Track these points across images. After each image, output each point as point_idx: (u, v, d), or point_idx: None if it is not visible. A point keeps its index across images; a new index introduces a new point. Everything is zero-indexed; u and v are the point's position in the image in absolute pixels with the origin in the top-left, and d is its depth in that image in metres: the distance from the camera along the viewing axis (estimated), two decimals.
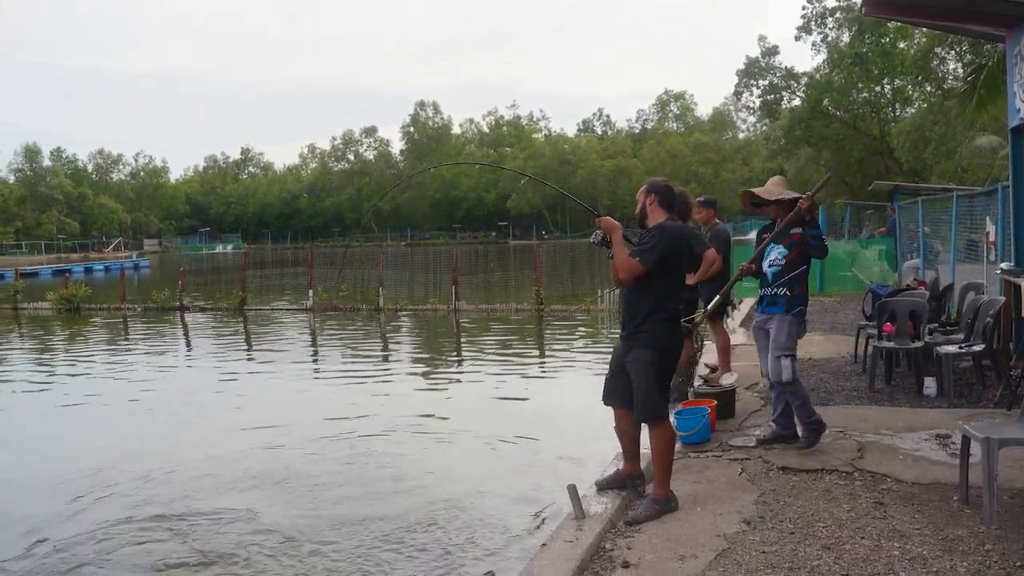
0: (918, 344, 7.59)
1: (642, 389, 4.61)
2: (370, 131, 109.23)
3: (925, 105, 41.34)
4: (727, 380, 7.66)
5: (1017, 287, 7.75)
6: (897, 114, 47.16)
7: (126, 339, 17.68)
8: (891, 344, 7.73)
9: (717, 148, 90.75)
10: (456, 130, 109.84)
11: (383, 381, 11.56)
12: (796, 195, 5.72)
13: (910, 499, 4.72)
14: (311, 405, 9.98)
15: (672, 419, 6.12)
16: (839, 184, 50.79)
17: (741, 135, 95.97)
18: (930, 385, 7.32)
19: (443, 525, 5.58)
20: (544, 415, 8.87)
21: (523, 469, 6.83)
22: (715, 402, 6.47)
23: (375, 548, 5.24)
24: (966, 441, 4.62)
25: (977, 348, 7.18)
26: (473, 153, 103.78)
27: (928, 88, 41.97)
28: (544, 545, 4.18)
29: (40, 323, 21.11)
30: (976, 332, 7.43)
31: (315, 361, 14.09)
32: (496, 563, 4.91)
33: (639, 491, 4.98)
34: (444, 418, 8.83)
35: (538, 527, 5.39)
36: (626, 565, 3.95)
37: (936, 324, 8.30)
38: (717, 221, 7.91)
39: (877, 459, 5.43)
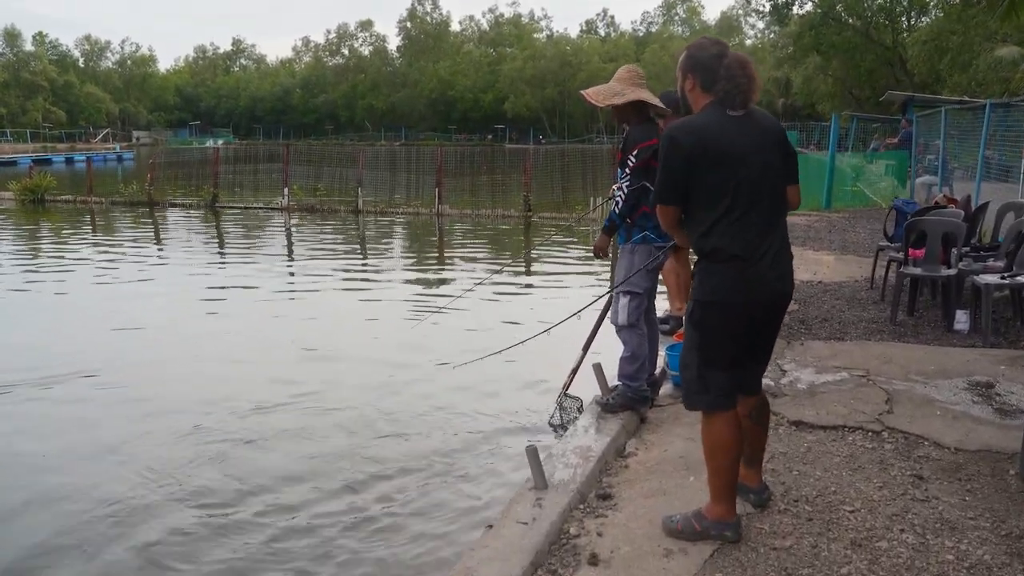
0: (951, 272, 6.57)
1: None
2: (366, 25, 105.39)
3: (942, 14, 39.30)
4: None
5: None
6: (912, 23, 45.09)
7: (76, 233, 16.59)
8: (920, 271, 6.70)
9: None
10: (455, 27, 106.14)
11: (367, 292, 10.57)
12: (638, 97, 4.44)
13: (955, 471, 3.77)
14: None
15: (663, 355, 5.19)
16: (845, 95, 49.02)
17: (748, 41, 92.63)
18: (962, 320, 6.35)
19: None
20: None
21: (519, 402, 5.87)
22: None
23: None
24: None
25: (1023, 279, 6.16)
26: (471, 52, 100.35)
27: None
28: (490, 527, 3.23)
29: None
30: (1021, 260, 6.39)
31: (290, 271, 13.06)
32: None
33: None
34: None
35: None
36: (594, 561, 3.01)
37: (968, 249, 7.24)
38: None
39: (910, 414, 4.47)
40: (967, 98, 23.11)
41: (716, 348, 3.04)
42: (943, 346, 5.97)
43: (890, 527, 3.21)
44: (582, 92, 4.70)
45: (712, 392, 3.05)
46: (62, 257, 13.39)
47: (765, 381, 5.03)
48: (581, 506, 3.47)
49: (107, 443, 5.22)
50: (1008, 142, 11.86)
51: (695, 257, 3.14)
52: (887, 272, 7.62)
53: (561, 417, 5.16)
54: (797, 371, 5.28)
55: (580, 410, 5.09)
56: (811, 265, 9.39)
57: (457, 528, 3.97)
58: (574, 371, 5.22)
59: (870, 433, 4.22)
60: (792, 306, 7.31)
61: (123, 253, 13.88)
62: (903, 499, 3.47)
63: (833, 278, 8.65)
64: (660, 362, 5.13)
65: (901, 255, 7.03)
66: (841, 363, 5.44)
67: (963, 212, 7.46)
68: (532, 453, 3.53)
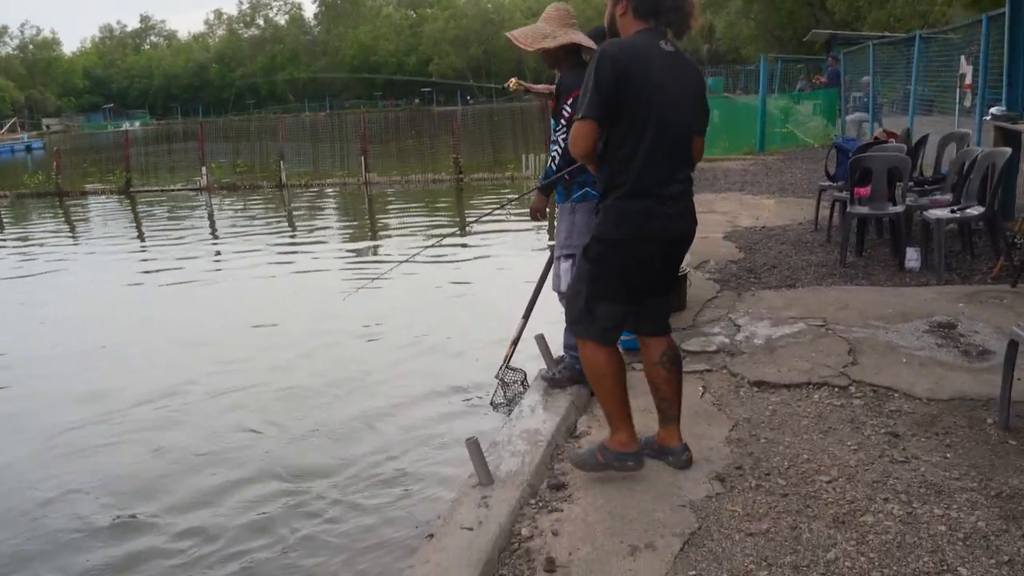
0: (899, 209, 6.33)
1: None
2: None
3: None
4: None
5: (1014, 135, 6.50)
6: None
7: None
8: (867, 210, 6.45)
9: None
10: None
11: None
12: (570, 39, 3.95)
13: (931, 425, 3.49)
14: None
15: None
16: (768, 38, 49.21)
17: None
18: (913, 257, 6.12)
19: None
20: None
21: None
22: None
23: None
24: (1013, 347, 3.38)
25: (974, 212, 5.93)
26: (391, 15, 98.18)
27: None
28: (431, 537, 2.82)
29: None
30: (969, 192, 6.18)
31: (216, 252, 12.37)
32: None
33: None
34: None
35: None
36: (551, 567, 2.63)
37: (912, 184, 7.01)
38: None
39: (875, 364, 4.19)
40: (887, 33, 23.16)
41: (610, 284, 2.98)
42: (897, 286, 5.74)
43: (873, 497, 2.91)
44: (508, 34, 4.23)
45: (597, 323, 3.01)
46: None
47: (720, 339, 4.75)
48: (532, 501, 3.08)
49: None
50: (930, 74, 11.80)
51: None
52: (831, 213, 7.38)
53: (504, 395, 4.78)
54: (752, 325, 4.96)
55: (524, 384, 4.72)
56: (752, 210, 9.13)
57: (394, 541, 3.54)
58: (515, 342, 4.81)
59: (836, 389, 3.93)
60: (738, 255, 7.05)
61: (39, 244, 13.06)
62: (881, 462, 3.17)
63: (776, 222, 8.40)
64: None
65: (845, 194, 6.79)
66: (797, 313, 5.15)
67: (905, 146, 7.22)
68: (474, 447, 3.13)
